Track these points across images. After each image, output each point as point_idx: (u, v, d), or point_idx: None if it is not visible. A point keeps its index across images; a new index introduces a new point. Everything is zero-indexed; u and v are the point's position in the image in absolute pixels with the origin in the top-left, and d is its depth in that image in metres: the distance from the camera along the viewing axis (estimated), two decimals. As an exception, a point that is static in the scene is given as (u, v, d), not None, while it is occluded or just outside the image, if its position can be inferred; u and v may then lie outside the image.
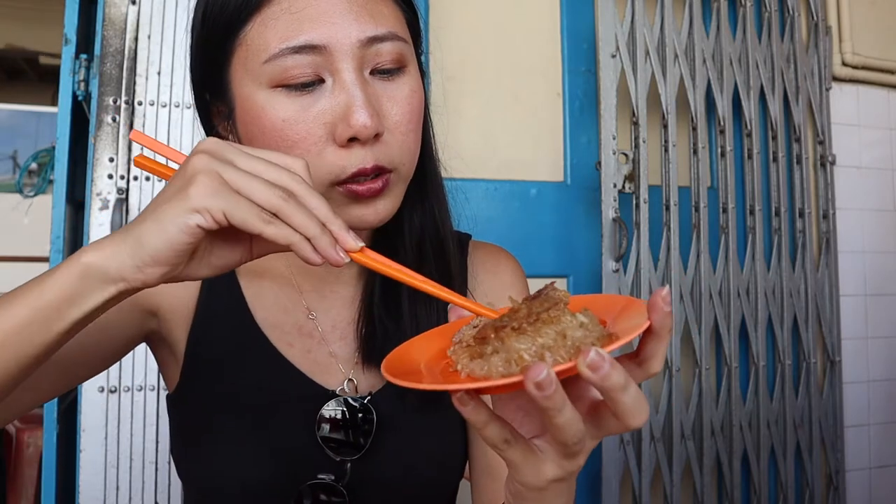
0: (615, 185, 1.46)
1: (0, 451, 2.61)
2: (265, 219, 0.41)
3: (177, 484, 1.16)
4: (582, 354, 0.34)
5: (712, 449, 1.52)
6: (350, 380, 0.67)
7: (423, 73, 0.68)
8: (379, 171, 0.57)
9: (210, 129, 0.65)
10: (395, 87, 0.59)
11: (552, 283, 0.43)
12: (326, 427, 0.64)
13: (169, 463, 1.17)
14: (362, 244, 0.44)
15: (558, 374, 0.34)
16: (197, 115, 0.65)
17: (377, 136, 0.56)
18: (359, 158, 0.56)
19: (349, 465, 0.64)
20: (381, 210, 0.59)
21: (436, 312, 0.67)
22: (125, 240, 0.42)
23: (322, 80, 0.56)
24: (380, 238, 0.68)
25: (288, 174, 0.43)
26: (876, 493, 1.77)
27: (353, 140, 0.55)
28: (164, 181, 0.46)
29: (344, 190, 0.57)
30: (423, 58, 0.69)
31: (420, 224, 0.68)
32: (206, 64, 0.61)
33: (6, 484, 2.55)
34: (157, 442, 1.17)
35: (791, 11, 1.71)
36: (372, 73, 0.58)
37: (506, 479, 0.45)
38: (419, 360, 0.43)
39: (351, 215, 0.58)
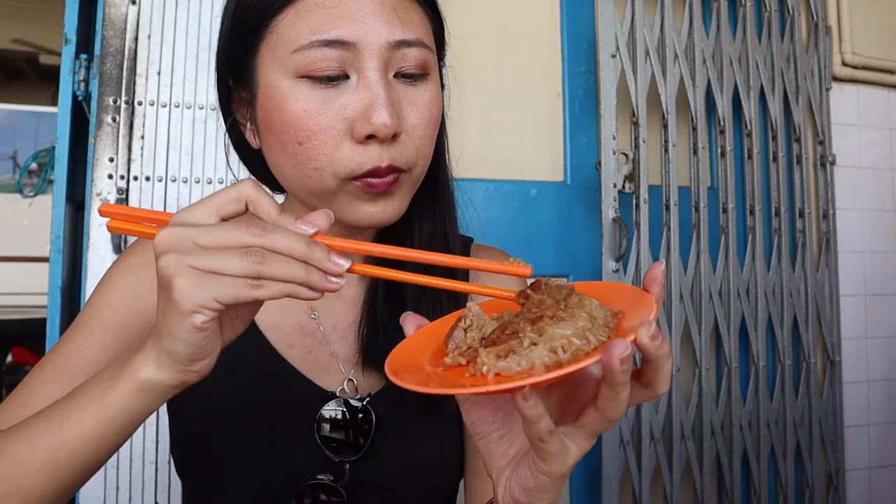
0: (615, 185, 1.46)
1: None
2: (253, 285, 0.42)
3: (177, 484, 1.16)
4: (642, 327, 0.37)
5: (712, 449, 1.52)
6: (350, 380, 0.67)
7: (443, 85, 0.68)
8: (392, 172, 0.58)
9: (228, 115, 0.66)
10: (416, 92, 0.60)
11: (540, 278, 0.44)
12: (327, 427, 0.64)
13: (169, 463, 1.17)
14: (349, 263, 0.44)
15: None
16: (218, 103, 0.67)
17: (394, 137, 0.57)
18: (374, 156, 0.56)
19: (348, 465, 0.64)
20: (389, 209, 0.60)
21: (440, 314, 0.67)
22: (160, 354, 0.45)
23: (347, 77, 0.57)
24: (386, 241, 0.68)
25: (248, 230, 0.42)
26: (876, 493, 1.77)
27: (370, 138, 0.56)
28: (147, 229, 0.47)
29: (361, 183, 0.57)
30: (443, 70, 0.70)
31: (429, 231, 0.69)
32: (234, 50, 0.62)
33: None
34: (157, 442, 1.17)
35: (791, 11, 1.71)
36: (396, 75, 0.59)
37: (509, 480, 0.45)
38: (422, 365, 0.42)
39: (360, 212, 0.59)
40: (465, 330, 0.42)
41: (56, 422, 0.48)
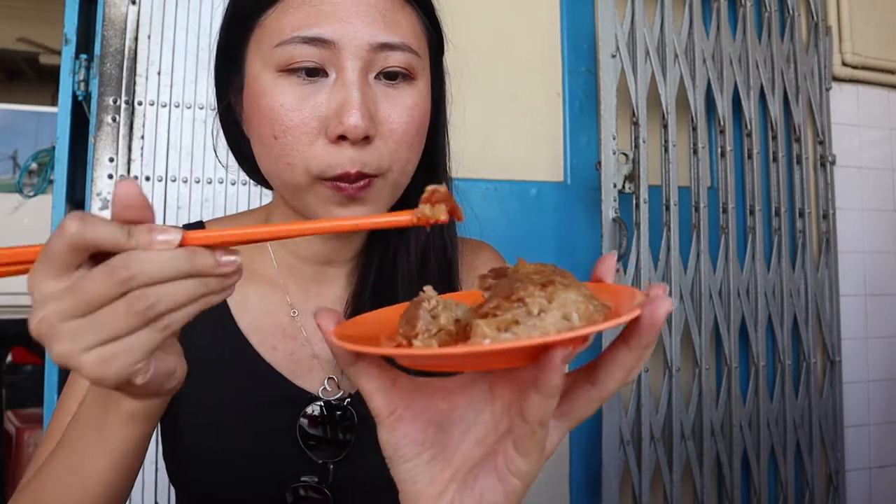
0: (615, 185, 1.46)
1: (0, 450, 2.61)
2: (159, 327, 0.36)
3: (177, 484, 1.16)
4: (660, 290, 0.34)
5: (712, 449, 1.52)
6: (331, 377, 0.67)
7: (442, 93, 0.67)
8: (361, 178, 0.57)
9: (221, 99, 0.67)
10: (397, 95, 0.59)
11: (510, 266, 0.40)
12: (305, 423, 0.64)
13: (169, 463, 1.17)
14: (237, 257, 0.38)
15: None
16: (214, 86, 0.68)
17: (367, 139, 0.56)
18: (345, 160, 0.56)
19: (332, 466, 0.64)
20: (360, 216, 0.58)
21: None
22: (123, 402, 0.45)
23: (326, 74, 0.57)
24: (381, 248, 0.68)
25: (111, 274, 0.35)
26: (876, 493, 1.77)
27: (343, 138, 0.56)
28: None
29: (330, 185, 0.57)
30: (445, 79, 0.69)
31: (426, 239, 0.68)
32: (228, 39, 0.63)
33: (6, 484, 2.55)
34: (157, 442, 1.16)
35: (791, 11, 1.71)
36: (377, 76, 0.58)
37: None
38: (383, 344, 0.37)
39: (328, 216, 0.59)
40: (433, 316, 0.37)
41: (66, 473, 0.48)
